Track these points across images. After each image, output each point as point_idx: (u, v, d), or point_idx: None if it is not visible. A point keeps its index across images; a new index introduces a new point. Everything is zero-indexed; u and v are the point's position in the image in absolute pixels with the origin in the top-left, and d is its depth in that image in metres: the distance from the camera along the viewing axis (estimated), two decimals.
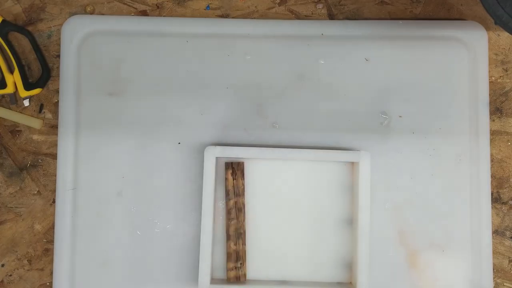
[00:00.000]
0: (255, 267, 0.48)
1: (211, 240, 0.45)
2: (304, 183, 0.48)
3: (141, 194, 0.48)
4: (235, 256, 0.46)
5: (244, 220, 0.47)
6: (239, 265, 0.46)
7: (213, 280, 0.47)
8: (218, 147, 0.46)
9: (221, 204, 0.48)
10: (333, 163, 0.49)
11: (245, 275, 0.47)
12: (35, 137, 0.49)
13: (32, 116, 0.50)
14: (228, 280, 0.46)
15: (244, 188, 0.47)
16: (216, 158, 0.47)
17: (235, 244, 0.47)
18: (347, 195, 0.48)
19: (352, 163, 0.48)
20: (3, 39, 0.48)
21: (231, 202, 0.47)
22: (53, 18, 0.50)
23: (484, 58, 0.50)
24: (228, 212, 0.47)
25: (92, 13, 0.50)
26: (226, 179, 0.47)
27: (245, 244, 0.47)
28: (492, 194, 0.50)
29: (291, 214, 0.48)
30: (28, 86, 0.49)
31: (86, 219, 0.48)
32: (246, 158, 0.48)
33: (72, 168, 0.48)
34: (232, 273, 0.46)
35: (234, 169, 0.47)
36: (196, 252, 0.48)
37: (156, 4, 0.50)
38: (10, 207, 0.49)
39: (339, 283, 0.47)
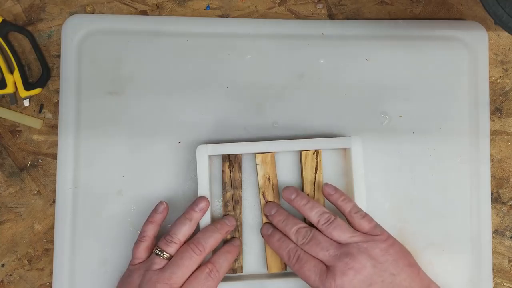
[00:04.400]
0: (252, 259, 0.48)
1: None
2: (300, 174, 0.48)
3: (141, 193, 0.48)
4: None
5: (241, 213, 0.47)
6: (236, 257, 0.46)
7: None
8: (210, 145, 0.46)
9: (218, 202, 0.48)
10: (328, 152, 0.49)
11: (241, 267, 0.47)
12: (35, 137, 0.49)
13: (32, 116, 0.50)
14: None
15: (241, 180, 0.47)
16: (210, 156, 0.47)
17: (232, 237, 0.47)
18: (344, 183, 0.48)
19: (345, 149, 0.48)
20: (3, 39, 0.48)
21: (228, 195, 0.47)
22: (53, 18, 0.50)
23: (484, 58, 0.50)
24: (225, 205, 0.47)
25: (92, 13, 0.50)
26: (223, 171, 0.47)
27: (242, 237, 0.47)
28: (492, 194, 0.50)
29: (290, 206, 0.48)
30: (28, 86, 0.49)
31: (86, 219, 0.48)
32: (241, 154, 0.48)
33: (72, 168, 0.48)
34: None
35: (232, 161, 0.47)
36: None
37: (156, 4, 0.50)
38: (10, 207, 0.49)
39: None
